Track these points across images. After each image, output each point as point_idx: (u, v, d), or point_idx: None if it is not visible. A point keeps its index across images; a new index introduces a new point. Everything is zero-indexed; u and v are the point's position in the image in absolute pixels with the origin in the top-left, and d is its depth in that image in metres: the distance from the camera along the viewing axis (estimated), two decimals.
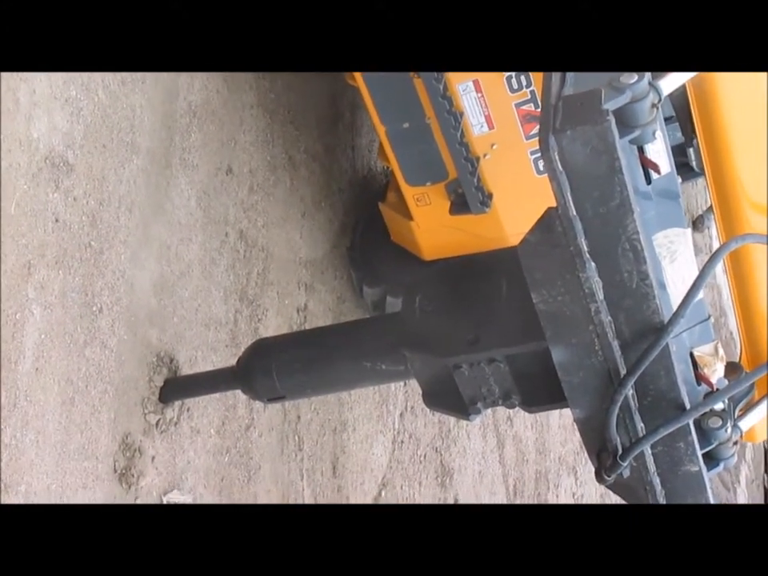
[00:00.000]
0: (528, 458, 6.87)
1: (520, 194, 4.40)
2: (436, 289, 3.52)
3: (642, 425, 3.01)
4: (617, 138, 2.54)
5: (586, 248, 2.68)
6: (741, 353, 3.67)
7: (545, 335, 2.91)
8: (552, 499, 7.12)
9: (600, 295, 2.77)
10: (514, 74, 4.16)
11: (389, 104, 4.28)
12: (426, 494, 5.68)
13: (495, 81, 4.17)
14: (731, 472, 9.16)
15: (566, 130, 2.51)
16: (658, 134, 2.76)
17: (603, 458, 3.05)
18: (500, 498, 6.48)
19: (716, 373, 3.33)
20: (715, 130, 3.28)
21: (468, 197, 4.39)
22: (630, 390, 2.91)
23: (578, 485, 7.56)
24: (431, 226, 4.65)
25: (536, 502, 6.88)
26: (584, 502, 7.32)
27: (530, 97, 4.20)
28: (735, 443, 3.22)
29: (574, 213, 2.62)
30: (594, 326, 2.83)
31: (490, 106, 4.24)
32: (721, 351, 3.37)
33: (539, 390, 3.24)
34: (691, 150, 3.99)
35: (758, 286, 3.50)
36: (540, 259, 2.77)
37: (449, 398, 3.35)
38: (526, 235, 2.77)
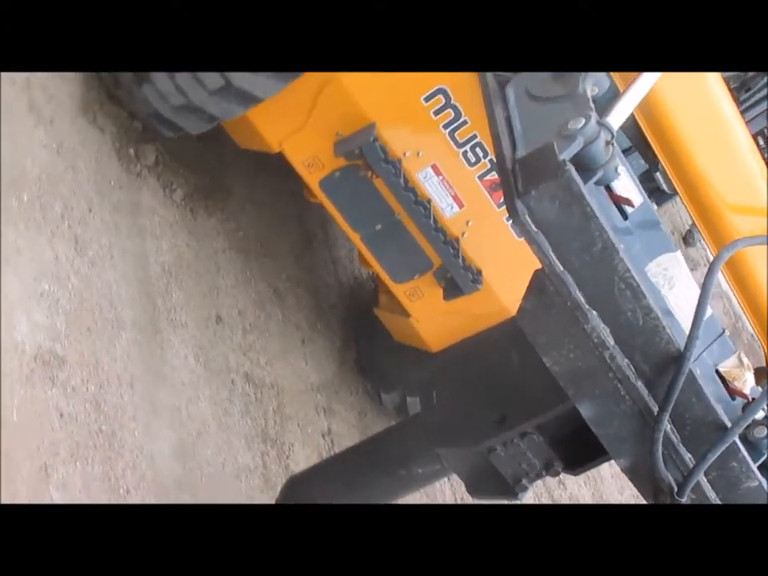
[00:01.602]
0: None
1: (507, 262, 4.35)
2: (449, 379, 3.47)
3: (689, 455, 2.94)
4: (581, 184, 2.51)
5: (583, 299, 2.64)
6: (765, 354, 3.60)
7: (568, 395, 2.86)
8: None
9: (610, 341, 2.71)
10: (468, 147, 4.13)
11: (356, 211, 4.25)
12: None
13: (452, 160, 4.14)
14: None
15: (529, 191, 2.48)
16: (621, 168, 2.73)
17: (661, 499, 2.97)
18: None
19: (747, 383, 3.27)
20: (674, 147, 3.25)
21: (458, 279, 4.35)
22: (667, 426, 2.84)
23: None
24: (430, 317, 4.60)
25: None
26: None
27: (490, 166, 4.18)
28: None
29: (561, 268, 2.58)
30: (614, 373, 2.77)
31: (454, 185, 4.21)
32: (746, 360, 3.32)
33: (579, 450, 3.18)
34: (658, 173, 3.96)
35: (763, 286, 3.45)
36: (541, 323, 2.72)
37: (492, 482, 3.28)
38: (521, 303, 2.72)
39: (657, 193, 4.29)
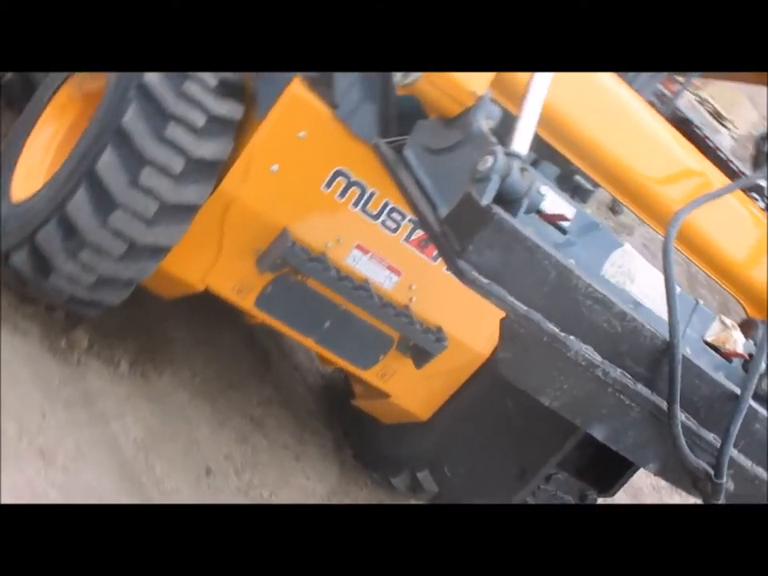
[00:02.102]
0: None
1: (462, 308, 4.27)
2: (454, 448, 3.40)
3: (712, 435, 2.89)
4: (512, 221, 2.45)
5: (556, 329, 2.57)
6: (744, 308, 3.56)
7: (576, 424, 2.79)
8: None
9: (597, 358, 2.65)
10: (385, 216, 4.06)
11: (300, 317, 4.17)
12: None
13: (374, 233, 4.06)
14: None
15: (466, 248, 2.42)
16: (544, 188, 2.68)
17: (702, 487, 2.90)
18: None
19: (737, 341, 3.24)
20: (584, 148, 3.20)
21: (422, 344, 4.26)
22: (681, 416, 2.77)
23: None
24: (409, 390, 4.50)
25: None
26: None
27: (412, 226, 4.11)
28: None
29: (525, 308, 2.52)
30: (612, 387, 2.71)
31: (385, 256, 4.14)
32: (728, 321, 3.29)
33: (606, 471, 3.12)
34: (577, 176, 3.92)
35: (719, 245, 3.40)
36: (524, 367, 2.66)
37: None
38: (499, 354, 2.65)
39: (579, 191, 4.25)
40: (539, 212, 2.71)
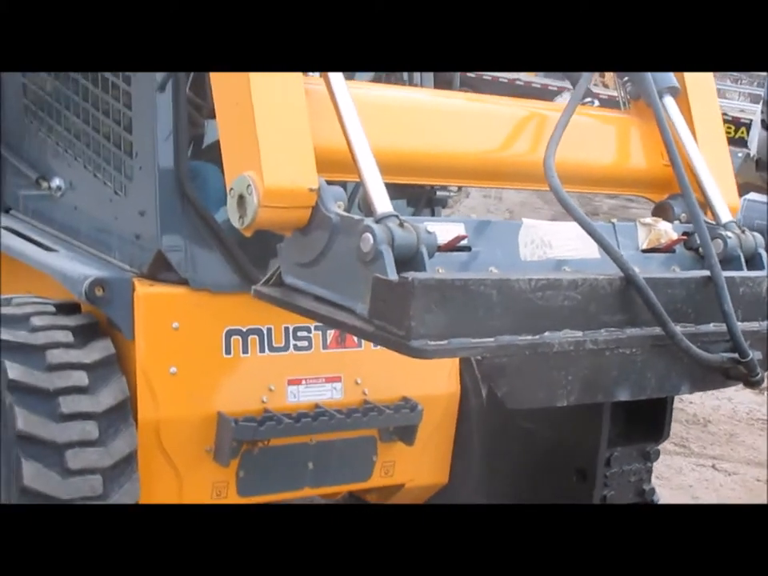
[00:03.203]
0: None
1: (412, 366, 4.16)
2: (501, 496, 3.29)
3: (712, 324, 2.83)
4: (428, 276, 2.36)
5: (530, 337, 2.48)
6: (649, 199, 3.51)
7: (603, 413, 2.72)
8: None
9: (578, 334, 2.57)
10: (293, 340, 3.97)
11: (284, 477, 4.02)
12: None
13: (294, 362, 3.97)
14: None
15: (408, 326, 2.31)
16: (430, 226, 2.59)
17: (736, 374, 2.83)
18: None
19: (668, 231, 3.18)
20: (425, 163, 3.10)
21: (402, 423, 4.15)
22: (678, 329, 2.70)
23: None
24: (416, 468, 4.39)
25: None
26: None
27: (321, 332, 4.02)
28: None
29: (492, 340, 2.42)
30: (607, 348, 2.64)
31: (317, 374, 4.04)
32: (648, 219, 3.23)
33: (649, 421, 3.05)
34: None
35: (597, 161, 3.35)
36: (527, 390, 2.57)
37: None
38: (499, 396, 2.54)
39: (435, 202, 4.25)
40: (439, 248, 2.60)
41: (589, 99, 3.51)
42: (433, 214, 4.30)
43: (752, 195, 11.77)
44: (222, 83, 2.75)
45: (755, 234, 3.23)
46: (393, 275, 2.39)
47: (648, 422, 3.04)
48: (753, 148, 13.75)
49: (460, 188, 4.21)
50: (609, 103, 3.62)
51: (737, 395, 8.22)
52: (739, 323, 2.80)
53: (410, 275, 2.32)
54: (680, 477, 6.69)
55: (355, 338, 4.07)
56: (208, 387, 3.80)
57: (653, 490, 3.07)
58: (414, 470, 4.40)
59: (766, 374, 2.89)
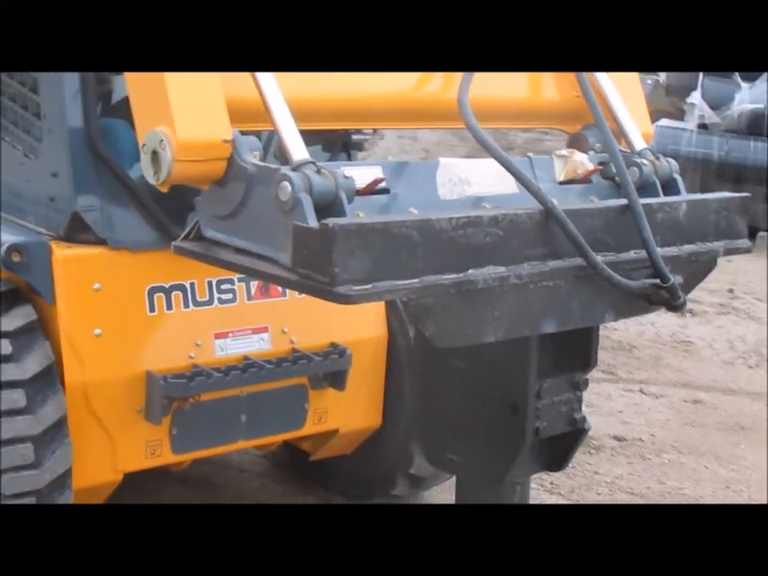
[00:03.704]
0: None
1: (337, 311, 4.17)
2: (434, 432, 3.31)
3: (633, 252, 2.85)
4: (348, 221, 2.35)
5: (455, 275, 2.48)
6: (563, 131, 3.51)
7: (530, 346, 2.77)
8: None
9: (501, 269, 2.58)
10: (216, 293, 3.95)
11: (217, 431, 4.01)
12: None
13: (220, 315, 3.95)
14: None
15: (332, 272, 2.30)
16: (348, 171, 2.58)
17: (659, 299, 2.86)
18: None
19: (584, 161, 3.20)
20: (337, 106, 3.08)
21: (332, 368, 4.17)
22: (599, 258, 2.72)
23: None
24: (349, 412, 4.41)
25: None
26: None
27: (245, 283, 4.00)
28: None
29: (416, 281, 2.41)
30: (530, 282, 2.65)
31: (243, 325, 4.02)
32: (562, 151, 3.25)
33: (576, 350, 3.08)
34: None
35: (507, 96, 3.34)
36: (455, 328, 2.57)
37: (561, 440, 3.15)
38: (427, 335, 2.54)
39: (352, 146, 4.24)
40: (358, 192, 2.59)
41: None
42: (349, 158, 4.28)
43: (664, 121, 11.87)
44: None
45: (670, 159, 3.26)
46: (313, 222, 2.38)
47: (575, 352, 3.06)
48: (662, 74, 13.83)
49: (375, 130, 4.19)
50: None
51: (660, 319, 8.34)
52: (659, 249, 2.83)
53: (330, 221, 2.30)
54: (609, 403, 6.78)
55: (279, 288, 4.06)
56: (134, 347, 3.77)
57: (584, 419, 3.11)
58: (347, 415, 4.41)
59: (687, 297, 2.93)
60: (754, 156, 11.21)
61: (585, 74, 3.15)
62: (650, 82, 13.65)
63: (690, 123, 11.62)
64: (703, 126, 11.56)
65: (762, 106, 11.29)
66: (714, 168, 11.25)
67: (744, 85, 11.40)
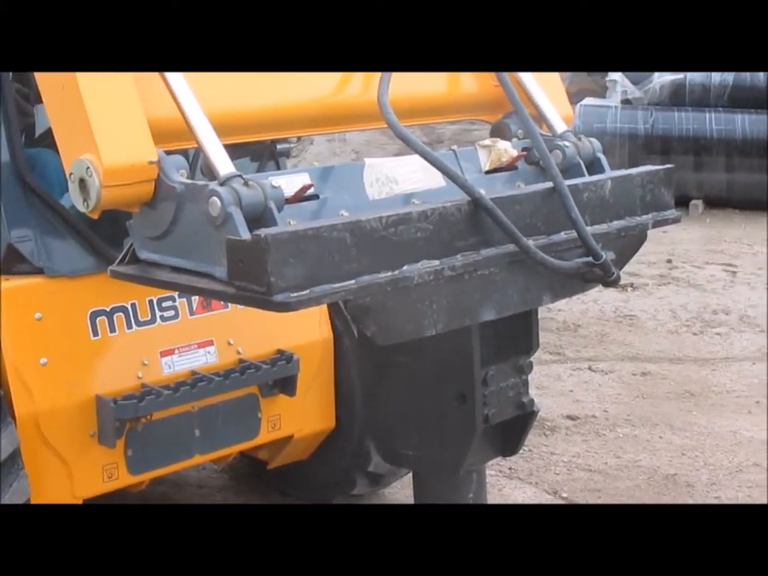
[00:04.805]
0: None
1: (280, 318, 4.20)
2: (386, 429, 3.34)
3: (563, 232, 2.90)
4: (280, 230, 2.39)
5: (390, 273, 2.52)
6: (485, 120, 3.56)
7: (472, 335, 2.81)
8: None
9: (435, 263, 2.62)
10: (159, 311, 3.97)
11: (172, 448, 4.03)
12: None
13: (163, 333, 3.98)
14: None
15: (268, 281, 2.33)
16: (275, 180, 2.61)
17: (593, 277, 2.92)
18: None
19: (507, 149, 3.24)
20: (255, 119, 3.10)
21: (280, 375, 4.20)
22: (530, 242, 2.77)
23: None
24: (302, 416, 4.44)
25: None
26: None
27: (186, 298, 4.03)
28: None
29: (353, 282, 2.45)
30: (465, 272, 2.70)
31: (188, 341, 4.05)
32: (485, 141, 3.29)
33: (517, 335, 3.12)
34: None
35: (421, 94, 3.38)
36: (394, 325, 2.62)
37: (512, 426, 3.20)
38: (368, 335, 2.58)
39: (279, 155, 4.28)
40: (287, 200, 2.62)
41: None
42: (278, 166, 4.32)
43: (588, 100, 11.97)
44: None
45: (592, 139, 3.31)
46: (245, 235, 2.41)
47: (517, 336, 3.11)
48: None
49: (299, 137, 4.22)
50: None
51: (602, 296, 8.43)
52: (588, 227, 2.88)
53: (262, 232, 2.33)
54: (559, 383, 6.86)
55: (220, 302, 4.08)
56: (81, 372, 3.78)
57: (532, 402, 3.14)
58: (301, 420, 4.45)
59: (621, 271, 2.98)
60: (679, 126, 11.34)
61: None
62: None
63: (614, 100, 11.72)
64: (627, 102, 11.66)
65: (681, 76, 11.42)
66: (640, 142, 11.36)
67: None
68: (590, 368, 7.11)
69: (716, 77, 11.38)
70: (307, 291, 2.38)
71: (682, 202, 10.86)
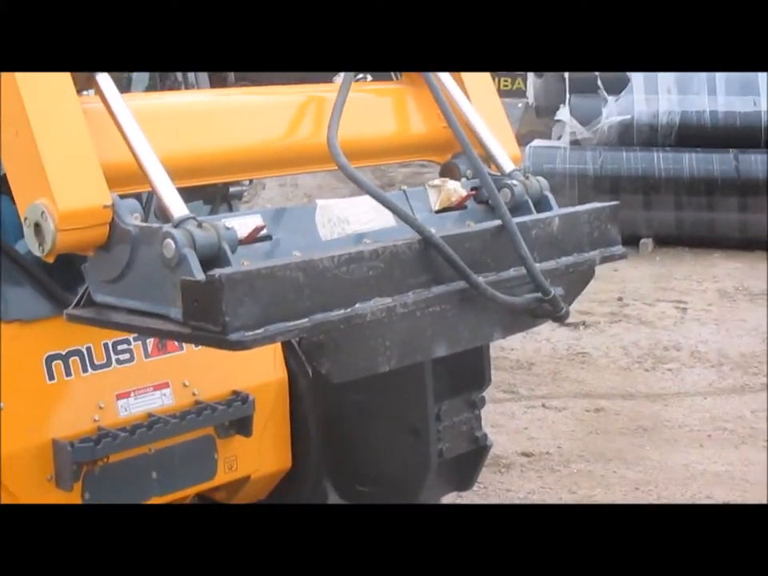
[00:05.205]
0: None
1: (236, 359, 4.23)
2: (343, 465, 3.38)
3: (512, 269, 2.97)
4: (230, 271, 2.44)
5: (342, 311, 2.57)
6: (434, 161, 3.62)
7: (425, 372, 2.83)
8: None
9: (387, 300, 2.68)
10: (114, 354, 3.98)
11: (129, 490, 4.00)
12: None
13: (119, 376, 3.98)
14: None
15: (223, 321, 2.37)
16: (230, 222, 2.66)
17: (542, 312, 2.98)
18: None
19: (456, 189, 3.31)
20: (205, 163, 3.15)
21: (236, 416, 4.21)
22: (480, 279, 2.83)
23: None
24: (259, 457, 4.44)
25: None
26: None
27: (141, 341, 4.04)
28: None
29: (306, 320, 2.50)
30: (417, 309, 2.75)
31: (144, 383, 4.05)
32: (435, 181, 3.35)
33: (469, 370, 3.17)
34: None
35: (374, 134, 3.45)
36: (348, 361, 2.67)
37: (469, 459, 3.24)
38: (322, 372, 2.63)
39: (232, 198, 4.33)
40: (240, 242, 2.67)
41: (362, 75, 3.60)
42: (231, 209, 4.35)
43: (537, 142, 12.11)
44: None
45: (539, 178, 3.38)
46: (200, 275, 2.45)
47: (469, 372, 3.16)
48: (530, 96, 14.12)
49: (251, 181, 4.27)
50: (381, 76, 3.72)
51: (554, 335, 8.52)
52: (537, 264, 2.95)
53: (216, 272, 2.38)
54: (514, 421, 6.92)
55: (176, 342, 4.11)
56: (38, 416, 3.79)
57: (485, 436, 3.20)
58: (257, 460, 4.45)
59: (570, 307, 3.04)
60: (627, 166, 11.50)
61: (447, 104, 3.26)
62: (520, 105, 13.94)
63: (563, 141, 11.87)
64: (576, 143, 11.82)
65: (629, 116, 11.59)
66: (590, 182, 11.50)
67: (610, 98, 11.69)
68: (543, 405, 7.18)
69: (663, 116, 11.56)
70: (262, 330, 2.42)
71: (632, 241, 11.00)
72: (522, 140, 12.11)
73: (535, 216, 3.16)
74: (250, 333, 2.39)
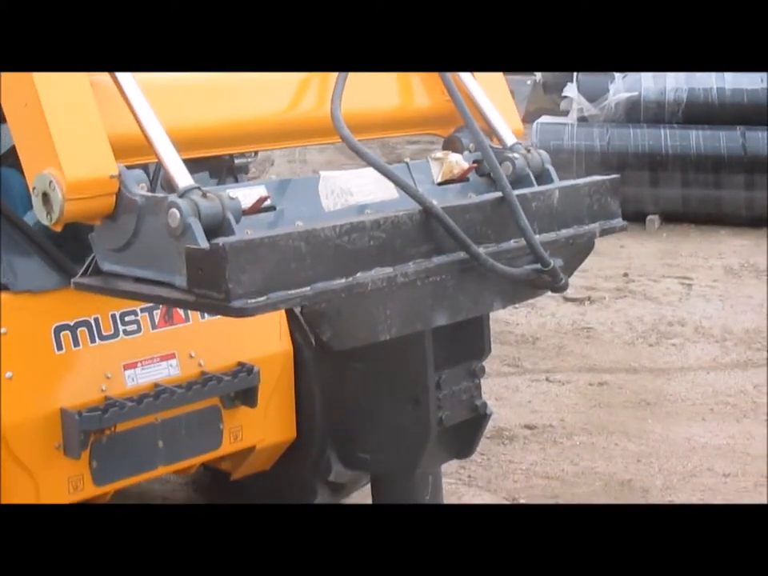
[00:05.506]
0: None
1: (241, 329, 4.29)
2: (346, 435, 3.43)
3: (512, 240, 3.01)
4: (229, 240, 2.48)
5: (344, 279, 2.62)
6: (438, 134, 3.66)
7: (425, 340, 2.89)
8: None
9: (388, 270, 2.72)
10: (121, 325, 4.03)
11: (137, 459, 4.08)
12: None
13: (126, 347, 4.04)
14: None
15: (226, 288, 2.42)
16: (233, 192, 2.71)
17: (542, 283, 3.03)
18: None
19: (458, 161, 3.35)
20: (217, 134, 3.19)
21: (241, 387, 4.27)
22: (481, 250, 2.87)
23: None
24: (264, 427, 4.51)
25: None
26: None
27: (148, 312, 4.10)
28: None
29: (308, 288, 2.55)
30: (418, 279, 2.79)
31: (151, 354, 4.10)
32: (437, 153, 3.39)
33: (469, 339, 3.22)
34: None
35: (378, 107, 3.49)
36: (350, 329, 2.72)
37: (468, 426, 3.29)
38: (324, 340, 2.68)
39: (237, 170, 4.35)
40: (244, 212, 2.72)
41: None
42: (236, 182, 4.40)
43: (544, 118, 12.11)
44: (7, 87, 2.80)
45: (541, 151, 3.43)
46: (204, 244, 2.50)
47: (469, 341, 3.21)
48: (538, 73, 14.11)
49: (256, 153, 4.31)
50: None
51: (559, 310, 8.56)
52: (537, 235, 2.99)
53: (220, 240, 2.43)
54: (517, 394, 6.96)
55: (182, 313, 4.16)
56: (46, 386, 3.85)
57: (485, 404, 3.25)
58: (262, 431, 4.51)
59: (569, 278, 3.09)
60: (634, 143, 11.50)
61: (450, 77, 3.30)
62: (528, 82, 13.93)
63: (570, 117, 11.87)
64: (583, 119, 11.82)
65: (636, 93, 11.59)
66: (597, 158, 11.49)
67: (617, 75, 11.68)
68: (547, 379, 7.22)
69: (670, 93, 11.55)
70: (264, 297, 2.47)
71: (639, 218, 11.03)
72: (530, 117, 12.15)
73: (535, 188, 3.21)
74: (253, 300, 2.45)
